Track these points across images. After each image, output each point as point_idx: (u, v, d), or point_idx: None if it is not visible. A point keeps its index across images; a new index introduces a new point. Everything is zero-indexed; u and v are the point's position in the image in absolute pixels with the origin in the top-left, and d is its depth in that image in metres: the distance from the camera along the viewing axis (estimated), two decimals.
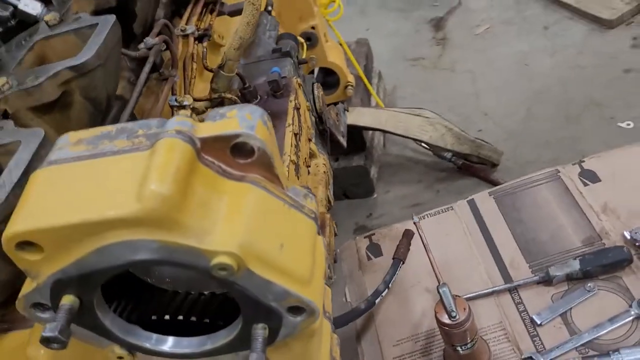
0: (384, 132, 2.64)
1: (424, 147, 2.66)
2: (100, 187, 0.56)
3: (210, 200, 0.58)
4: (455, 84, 3.20)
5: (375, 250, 1.61)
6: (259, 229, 0.59)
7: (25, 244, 0.55)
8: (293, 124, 1.27)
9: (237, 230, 0.57)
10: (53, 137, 0.89)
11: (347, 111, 1.74)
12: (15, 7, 1.03)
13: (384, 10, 4.02)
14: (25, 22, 1.04)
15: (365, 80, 2.86)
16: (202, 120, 0.64)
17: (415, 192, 2.71)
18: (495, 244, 1.51)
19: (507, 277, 1.47)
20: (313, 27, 2.58)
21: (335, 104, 2.75)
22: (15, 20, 1.06)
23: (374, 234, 1.66)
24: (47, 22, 0.97)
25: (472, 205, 1.61)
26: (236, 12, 1.55)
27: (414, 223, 1.36)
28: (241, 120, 0.61)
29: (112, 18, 0.93)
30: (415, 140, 2.60)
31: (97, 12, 1.07)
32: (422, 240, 1.31)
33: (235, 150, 0.62)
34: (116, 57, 0.93)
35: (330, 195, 1.57)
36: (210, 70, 1.32)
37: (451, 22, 3.67)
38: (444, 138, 2.55)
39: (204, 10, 1.46)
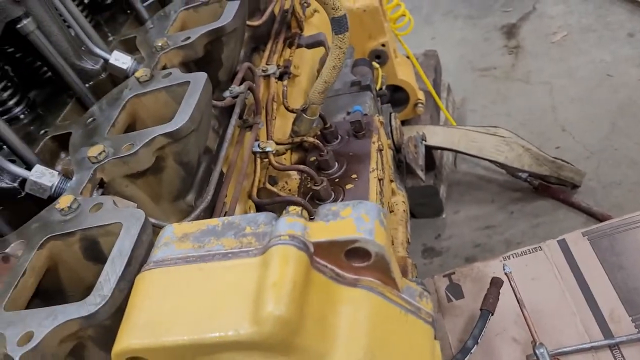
0: (457, 152, 2.54)
1: (497, 165, 2.54)
2: (212, 300, 0.53)
3: (326, 314, 0.54)
4: (530, 96, 3.04)
5: (455, 291, 1.53)
6: (379, 348, 0.54)
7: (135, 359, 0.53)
8: (377, 169, 1.21)
9: (356, 353, 0.52)
10: (145, 202, 0.89)
11: (425, 141, 1.66)
12: (106, 60, 1.03)
13: (450, 17, 3.88)
14: (115, 76, 1.04)
15: (436, 96, 2.75)
16: (311, 215, 0.60)
17: (487, 213, 2.59)
18: (591, 292, 1.39)
19: (606, 332, 1.34)
20: (383, 45, 2.51)
21: (404, 121, 2.67)
22: (105, 73, 1.06)
23: (454, 272, 1.58)
24: (138, 79, 0.96)
25: (564, 246, 1.49)
26: (314, 44, 1.51)
27: (506, 274, 1.27)
28: (357, 223, 0.57)
29: (203, 77, 0.90)
30: (489, 160, 2.48)
31: (184, 64, 1.05)
32: (515, 295, 1.22)
33: (350, 254, 0.57)
34: (208, 116, 0.91)
35: (409, 234, 1.50)
36: (292, 111, 1.28)
37: (525, 29, 3.49)
38: (520, 159, 2.42)
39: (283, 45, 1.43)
